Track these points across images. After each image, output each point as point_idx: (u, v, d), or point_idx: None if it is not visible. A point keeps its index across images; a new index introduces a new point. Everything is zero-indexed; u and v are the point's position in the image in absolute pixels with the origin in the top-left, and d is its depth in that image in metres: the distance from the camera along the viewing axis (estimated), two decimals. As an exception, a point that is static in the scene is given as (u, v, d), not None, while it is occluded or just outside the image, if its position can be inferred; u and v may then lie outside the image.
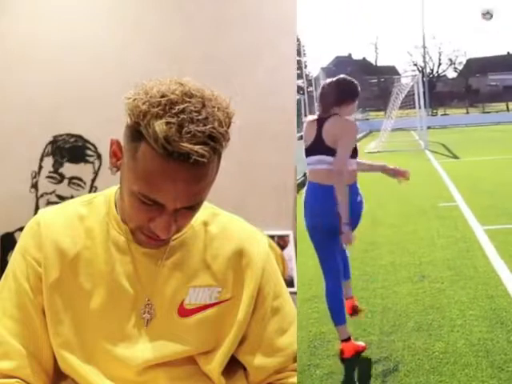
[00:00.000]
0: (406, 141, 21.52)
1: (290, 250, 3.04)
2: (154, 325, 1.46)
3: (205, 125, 1.23)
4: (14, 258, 1.48)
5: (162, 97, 1.24)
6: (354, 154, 2.76)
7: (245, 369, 1.58)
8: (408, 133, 26.29)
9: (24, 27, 2.94)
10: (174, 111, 1.22)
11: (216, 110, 1.26)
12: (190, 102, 1.24)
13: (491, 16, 24.06)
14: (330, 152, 2.71)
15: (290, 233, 3.06)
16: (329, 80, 2.87)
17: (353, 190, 2.78)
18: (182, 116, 1.22)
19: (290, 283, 2.96)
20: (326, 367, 2.88)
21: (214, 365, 1.50)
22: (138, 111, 1.24)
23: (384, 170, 3.16)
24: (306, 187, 2.87)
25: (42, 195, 2.91)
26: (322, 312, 3.46)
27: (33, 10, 2.96)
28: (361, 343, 3.02)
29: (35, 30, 2.95)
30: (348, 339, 2.94)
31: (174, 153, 1.21)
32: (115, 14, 3.01)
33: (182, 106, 1.23)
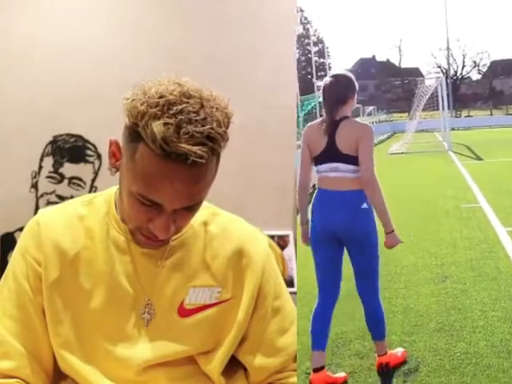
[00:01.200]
0: (429, 142, 21.41)
1: (289, 250, 3.04)
2: (153, 325, 1.46)
3: (203, 125, 1.22)
4: (14, 258, 1.48)
5: (160, 97, 1.23)
6: None
7: (245, 369, 1.58)
8: (432, 134, 26.15)
9: (24, 27, 2.94)
10: (172, 112, 1.22)
11: (214, 110, 1.26)
12: (188, 102, 1.24)
13: None
14: (344, 159, 2.62)
15: (290, 233, 3.06)
16: (328, 80, 2.78)
17: (360, 197, 2.65)
18: (180, 117, 1.21)
19: (289, 283, 2.96)
20: (348, 367, 2.87)
21: (214, 365, 1.50)
22: (136, 112, 1.24)
23: (385, 227, 2.73)
24: (315, 194, 2.79)
25: (42, 195, 2.90)
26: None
27: (33, 11, 2.96)
28: (340, 375, 2.78)
29: (35, 30, 2.95)
30: (321, 368, 2.69)
31: (172, 153, 1.21)
32: (115, 14, 3.01)
33: (180, 107, 1.22)
